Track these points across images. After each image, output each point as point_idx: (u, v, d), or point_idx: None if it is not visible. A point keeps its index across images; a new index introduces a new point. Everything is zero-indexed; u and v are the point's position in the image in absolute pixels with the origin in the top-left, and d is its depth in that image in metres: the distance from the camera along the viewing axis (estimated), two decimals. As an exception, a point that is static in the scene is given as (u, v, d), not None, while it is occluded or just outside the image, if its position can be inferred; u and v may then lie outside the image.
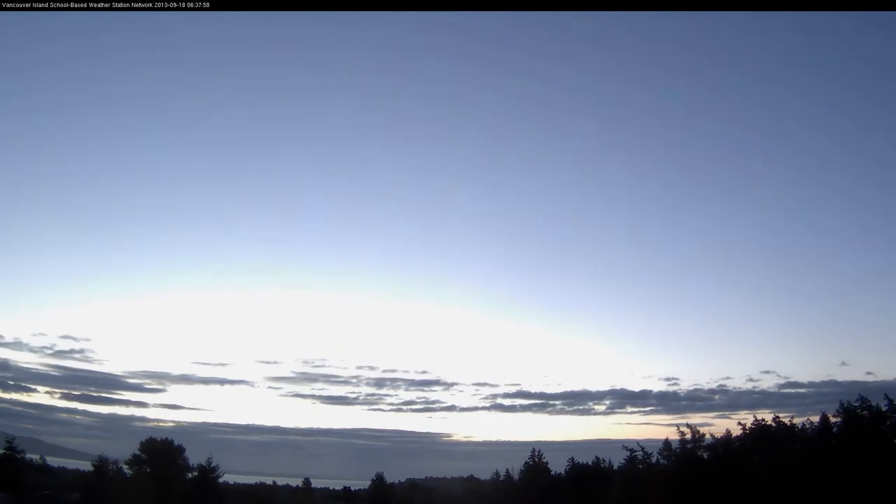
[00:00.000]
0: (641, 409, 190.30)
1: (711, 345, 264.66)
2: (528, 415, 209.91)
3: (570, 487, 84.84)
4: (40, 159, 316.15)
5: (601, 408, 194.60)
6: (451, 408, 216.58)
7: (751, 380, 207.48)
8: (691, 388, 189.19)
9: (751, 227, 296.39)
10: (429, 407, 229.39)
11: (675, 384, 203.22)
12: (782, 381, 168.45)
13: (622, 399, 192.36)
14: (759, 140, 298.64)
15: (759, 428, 63.88)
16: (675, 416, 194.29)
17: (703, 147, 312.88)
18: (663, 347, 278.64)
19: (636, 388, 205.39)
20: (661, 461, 73.75)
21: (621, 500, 72.55)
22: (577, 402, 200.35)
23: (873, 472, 50.21)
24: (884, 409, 55.05)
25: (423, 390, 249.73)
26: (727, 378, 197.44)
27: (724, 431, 69.37)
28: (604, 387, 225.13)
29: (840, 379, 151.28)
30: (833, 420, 58.95)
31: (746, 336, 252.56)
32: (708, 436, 70.23)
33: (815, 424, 60.52)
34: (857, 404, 57.02)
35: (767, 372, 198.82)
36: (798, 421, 62.62)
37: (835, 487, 51.53)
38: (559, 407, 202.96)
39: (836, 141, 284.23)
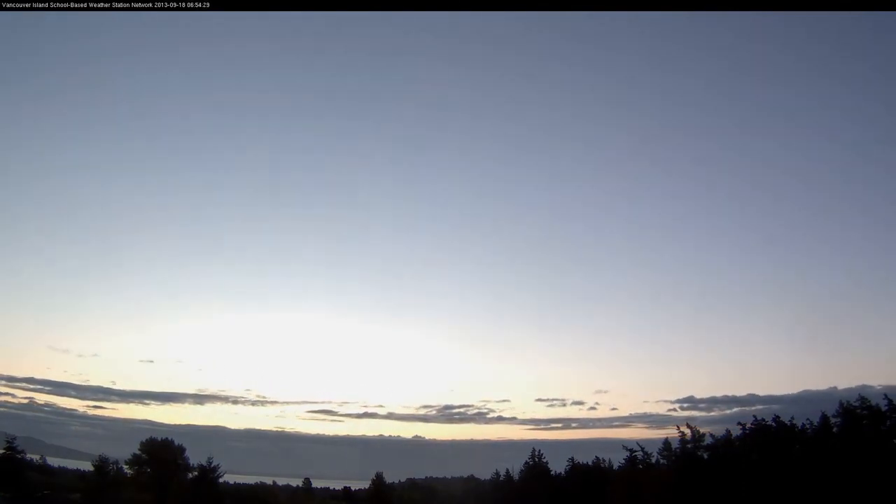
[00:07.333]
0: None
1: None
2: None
3: (570, 487, 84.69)
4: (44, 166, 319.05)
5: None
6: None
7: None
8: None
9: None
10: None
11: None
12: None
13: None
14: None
15: (759, 428, 63.76)
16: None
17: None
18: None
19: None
20: (661, 461, 73.69)
21: (621, 499, 72.37)
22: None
23: (873, 472, 50.17)
24: (883, 409, 55.05)
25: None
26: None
27: (723, 431, 69.51)
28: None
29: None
30: (833, 420, 58.92)
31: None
32: (708, 436, 70.29)
33: (816, 424, 60.48)
34: (856, 404, 57.01)
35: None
36: (798, 421, 62.56)
37: (834, 487, 51.47)
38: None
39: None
